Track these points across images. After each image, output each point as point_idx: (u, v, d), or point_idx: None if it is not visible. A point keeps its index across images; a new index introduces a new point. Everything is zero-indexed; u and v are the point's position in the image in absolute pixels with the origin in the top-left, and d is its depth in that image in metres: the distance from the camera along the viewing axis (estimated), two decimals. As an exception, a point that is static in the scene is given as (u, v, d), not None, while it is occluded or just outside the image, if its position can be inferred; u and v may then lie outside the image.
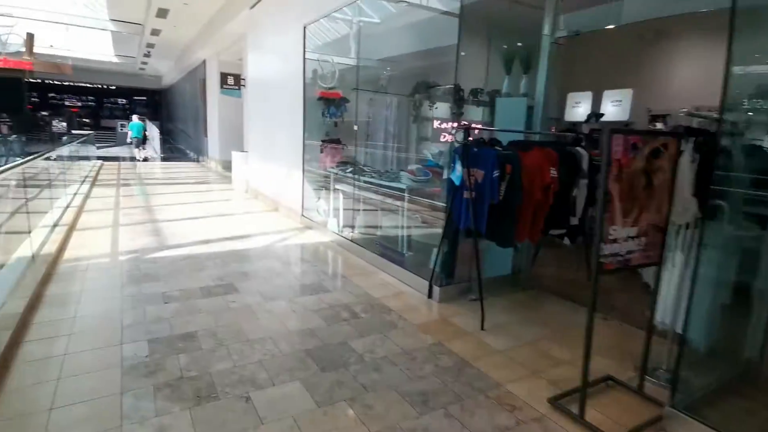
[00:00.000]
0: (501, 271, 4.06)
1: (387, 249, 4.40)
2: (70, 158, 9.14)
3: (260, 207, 7.72)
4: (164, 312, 3.22)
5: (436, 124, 6.84)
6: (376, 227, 5.43)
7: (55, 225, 5.27)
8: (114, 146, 24.99)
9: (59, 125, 20.18)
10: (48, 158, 7.45)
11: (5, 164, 10.54)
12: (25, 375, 2.36)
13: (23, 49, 12.56)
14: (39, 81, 30.02)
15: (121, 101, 33.55)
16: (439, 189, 4.48)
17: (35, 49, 13.65)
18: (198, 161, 16.65)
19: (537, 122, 3.85)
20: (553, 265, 4.65)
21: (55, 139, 16.66)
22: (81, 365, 2.47)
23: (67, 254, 4.53)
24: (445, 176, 4.57)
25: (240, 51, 11.67)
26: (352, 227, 5.52)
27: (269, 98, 7.80)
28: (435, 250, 4.25)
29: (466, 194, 3.38)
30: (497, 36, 4.95)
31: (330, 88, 6.42)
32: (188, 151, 20.55)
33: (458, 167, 3.31)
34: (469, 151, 3.28)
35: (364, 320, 3.25)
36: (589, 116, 4.50)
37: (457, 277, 3.85)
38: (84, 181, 9.31)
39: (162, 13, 11.34)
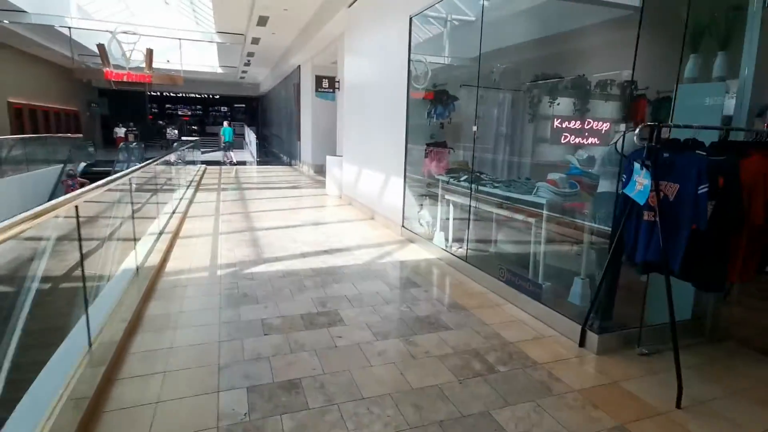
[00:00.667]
0: (676, 314, 3.06)
1: (515, 276, 3.61)
2: (180, 163, 9.59)
3: (355, 215, 7.31)
4: (264, 347, 2.77)
5: (555, 123, 5.89)
6: (497, 246, 4.63)
7: (161, 233, 5.25)
8: (217, 150, 26.95)
9: (172, 132, 22.14)
10: (167, 162, 7.76)
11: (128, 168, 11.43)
12: (113, 429, 1.99)
13: (143, 65, 13.69)
14: (157, 93, 33.68)
15: (224, 109, 36.23)
16: (582, 204, 3.58)
17: (153, 64, 14.85)
18: (291, 165, 17.04)
19: (742, 115, 2.81)
20: (745, 306, 3.50)
21: (169, 146, 18.14)
22: (173, 420, 2.06)
23: (169, 266, 4.38)
24: (587, 188, 3.67)
25: (334, 54, 11.52)
26: (465, 243, 4.79)
27: (366, 100, 7.36)
28: (580, 282, 3.37)
29: (647, 215, 2.49)
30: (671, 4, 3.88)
31: (433, 87, 5.76)
32: (282, 155, 21.30)
33: (640, 178, 2.43)
34: (658, 158, 2.39)
35: (504, 377, 2.51)
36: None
37: (614, 319, 2.96)
38: (189, 185, 9.69)
39: (262, 21, 11.57)
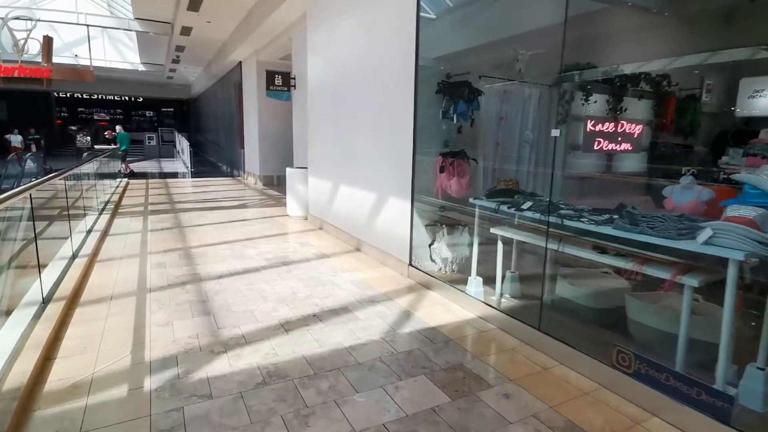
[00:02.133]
0: None
1: (660, 370, 2.22)
2: (92, 177, 7.36)
3: (333, 245, 5.65)
4: None
5: (588, 125, 4.69)
6: (590, 308, 3.24)
7: (44, 300, 3.30)
8: (143, 160, 23.72)
9: (83, 140, 18.82)
10: (73, 176, 5.62)
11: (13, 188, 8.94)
12: None
13: (40, 57, 11.00)
14: (66, 95, 29.37)
15: (149, 113, 32.62)
16: None
17: (55, 59, 12.12)
18: (233, 176, 14.86)
19: None
20: None
21: (80, 155, 15.15)
22: None
23: (54, 373, 2.52)
24: None
25: (286, 47, 9.75)
26: (530, 300, 3.37)
27: (343, 98, 5.75)
28: (762, 376, 2.05)
29: None
30: None
31: (447, 78, 4.31)
32: (221, 165, 18.89)
33: None
34: None
35: None
36: None
37: None
38: (104, 209, 7.48)
39: (194, 5, 9.54)
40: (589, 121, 4.56)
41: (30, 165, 12.05)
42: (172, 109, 32.70)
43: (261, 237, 5.98)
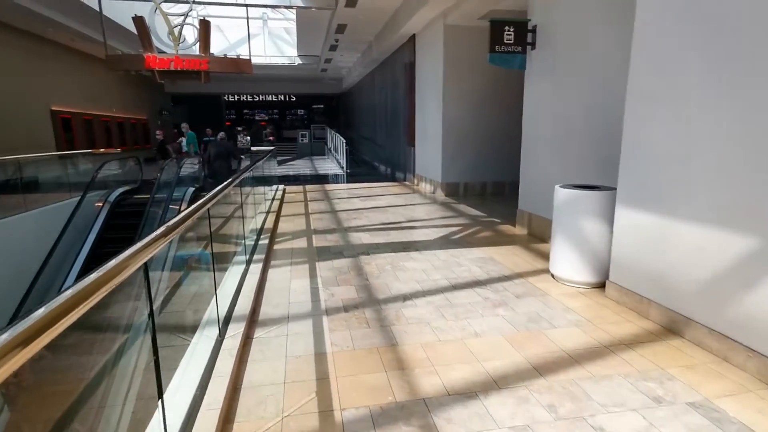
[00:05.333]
0: None
1: None
2: (249, 184, 5.08)
3: (693, 359, 2.08)
4: None
5: None
6: None
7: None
8: (295, 158, 23.14)
9: (243, 140, 18.32)
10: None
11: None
12: None
13: (197, 46, 9.56)
14: (234, 98, 31.03)
15: (300, 111, 32.99)
16: None
17: (213, 50, 10.76)
18: (396, 180, 12.19)
19: None
20: None
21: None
22: None
23: None
24: None
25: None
26: None
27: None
28: None
29: None
30: None
31: None
32: (376, 164, 16.60)
33: None
34: None
35: None
36: None
37: None
38: (258, 238, 5.10)
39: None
40: None
41: (191, 168, 10.94)
42: (322, 106, 32.45)
43: (498, 308, 2.69)
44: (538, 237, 5.38)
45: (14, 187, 8.32)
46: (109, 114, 17.60)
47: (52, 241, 7.28)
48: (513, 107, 8.62)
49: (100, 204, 8.57)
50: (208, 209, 2.66)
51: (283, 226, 6.36)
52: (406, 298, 3.57)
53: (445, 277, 4.05)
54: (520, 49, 5.21)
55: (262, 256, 4.51)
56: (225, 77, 20.73)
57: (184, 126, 12.95)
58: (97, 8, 9.43)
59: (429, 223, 6.42)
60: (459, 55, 8.42)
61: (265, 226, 5.97)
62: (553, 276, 3.99)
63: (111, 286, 1.12)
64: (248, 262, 4.24)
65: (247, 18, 11.09)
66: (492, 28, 5.11)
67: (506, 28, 5.12)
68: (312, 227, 6.23)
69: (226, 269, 4.02)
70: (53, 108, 13.54)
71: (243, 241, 4.44)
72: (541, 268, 4.24)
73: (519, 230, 5.79)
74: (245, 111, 32.44)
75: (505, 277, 4.02)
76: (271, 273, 4.22)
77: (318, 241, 5.43)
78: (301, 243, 5.35)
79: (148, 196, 8.63)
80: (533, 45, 5.19)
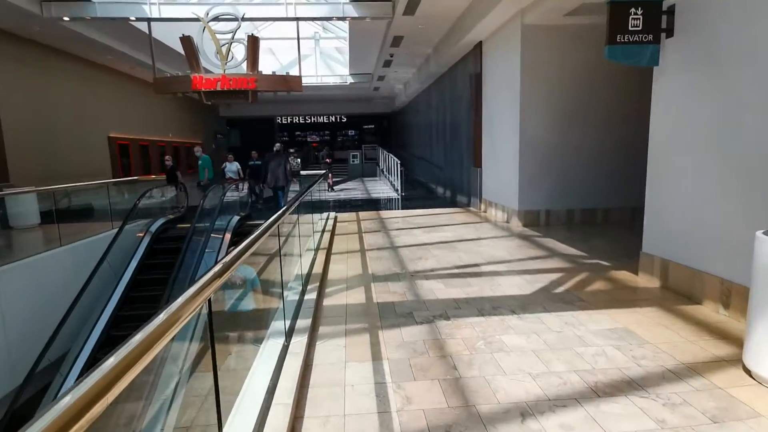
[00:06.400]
0: None
1: None
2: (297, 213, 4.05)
3: None
4: None
5: None
6: None
7: None
8: (347, 180, 22.46)
9: (294, 162, 17.78)
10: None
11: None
12: None
13: (244, 64, 8.93)
14: (286, 121, 31.24)
15: (351, 132, 32.67)
16: None
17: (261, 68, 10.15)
18: (458, 205, 10.89)
19: None
20: None
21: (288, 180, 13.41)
22: None
23: None
24: None
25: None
26: None
27: None
28: None
29: None
30: None
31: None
32: (433, 186, 15.37)
33: None
34: None
35: None
36: None
37: None
38: (304, 289, 4.01)
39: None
40: None
41: (236, 194, 10.28)
42: (372, 126, 31.90)
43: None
44: (681, 293, 3.88)
45: (61, 215, 7.85)
46: (165, 139, 17.76)
47: (86, 277, 6.64)
48: (609, 119, 7.12)
49: (141, 234, 7.96)
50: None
51: (335, 268, 5.25)
52: (524, 413, 2.28)
53: (573, 369, 2.70)
54: (651, 38, 3.84)
55: (308, 322, 3.38)
56: (276, 98, 20.56)
57: (197, 150, 11.39)
58: (147, 31, 9.09)
59: (515, 266, 5.06)
60: (539, 60, 7.11)
61: (314, 271, 4.88)
62: (749, 373, 2.53)
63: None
64: (289, 333, 3.12)
65: (297, 31, 10.41)
66: (612, 12, 3.80)
67: (632, 10, 3.79)
68: (370, 271, 5.07)
69: (259, 345, 2.93)
70: (111, 135, 13.60)
71: (282, 298, 3.34)
72: (720, 354, 2.79)
73: (646, 280, 4.31)
74: (297, 133, 32.56)
75: (671, 373, 2.61)
76: (319, 350, 3.07)
77: (379, 293, 4.25)
78: (358, 296, 4.19)
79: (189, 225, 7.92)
80: (671, 32, 3.81)
